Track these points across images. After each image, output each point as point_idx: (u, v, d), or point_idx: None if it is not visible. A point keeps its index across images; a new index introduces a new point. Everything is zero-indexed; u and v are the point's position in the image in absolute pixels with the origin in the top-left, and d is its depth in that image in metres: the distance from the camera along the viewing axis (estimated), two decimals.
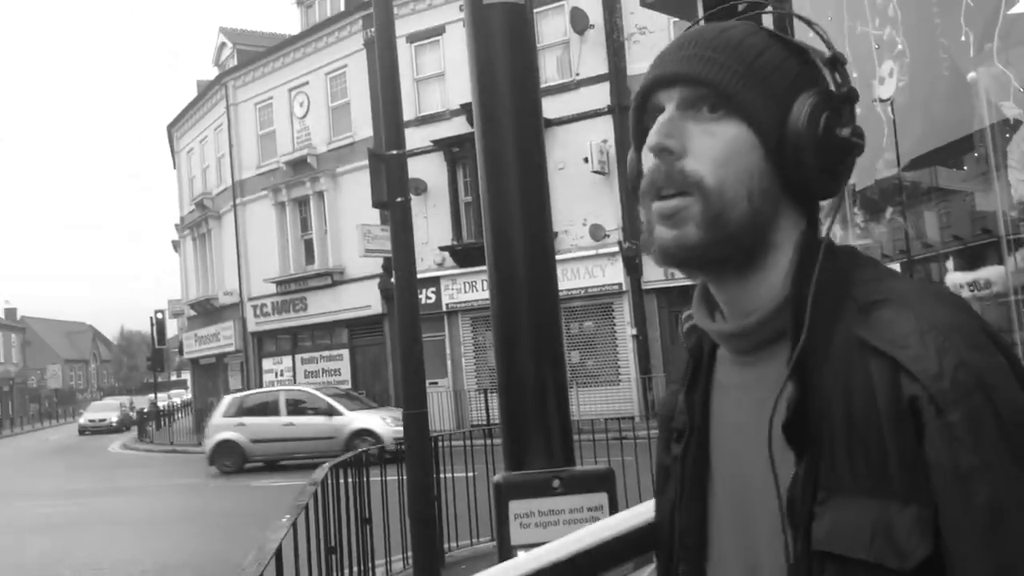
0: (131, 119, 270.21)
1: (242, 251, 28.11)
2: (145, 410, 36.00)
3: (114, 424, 42.17)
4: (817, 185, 0.91)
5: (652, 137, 0.91)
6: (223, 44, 31.71)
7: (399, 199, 6.57)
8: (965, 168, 2.91)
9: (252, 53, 28.94)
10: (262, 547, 2.83)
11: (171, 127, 34.53)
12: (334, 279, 24.83)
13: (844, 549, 0.81)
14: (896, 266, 3.12)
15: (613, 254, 19.91)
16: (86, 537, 11.13)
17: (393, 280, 7.49)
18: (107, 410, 44.53)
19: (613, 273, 20.02)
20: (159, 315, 36.45)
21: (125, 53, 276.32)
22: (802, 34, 1.22)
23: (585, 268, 20.30)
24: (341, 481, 6.16)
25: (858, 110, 0.91)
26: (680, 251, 0.90)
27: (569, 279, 20.13)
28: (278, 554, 3.10)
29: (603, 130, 20.02)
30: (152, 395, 39.23)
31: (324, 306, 25.15)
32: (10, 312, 71.33)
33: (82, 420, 43.92)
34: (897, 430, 0.80)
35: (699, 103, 0.90)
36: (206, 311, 30.87)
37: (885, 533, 0.79)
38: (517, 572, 1.18)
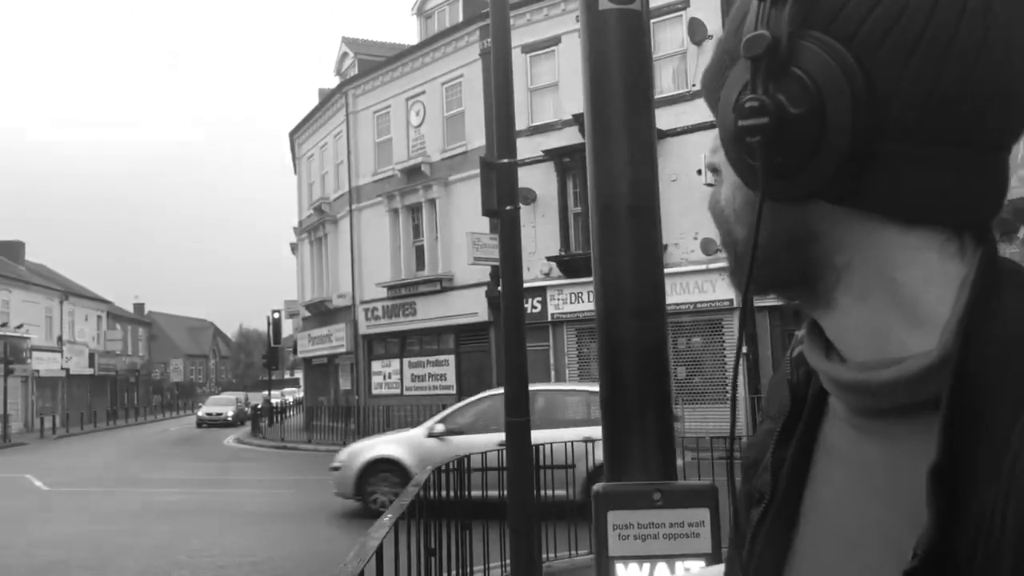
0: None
1: (356, 255, 28.86)
2: (259, 406, 37.40)
3: (229, 418, 43.94)
4: (780, 183, 0.60)
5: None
6: (345, 54, 32.70)
7: (508, 207, 6.61)
8: None
9: (372, 62, 29.73)
10: (364, 544, 2.87)
11: (293, 134, 35.81)
12: (443, 285, 25.21)
13: None
14: None
15: (724, 269, 19.31)
16: (202, 525, 11.61)
17: (500, 288, 7.52)
18: (223, 405, 46.42)
19: (723, 289, 19.60)
20: (275, 315, 37.81)
21: (127, 53, 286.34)
22: None
23: (695, 283, 19.97)
24: (443, 485, 6.22)
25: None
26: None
27: (678, 293, 19.84)
28: (379, 552, 3.14)
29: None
30: (266, 392, 40.67)
31: (433, 312, 25.55)
32: (138, 307, 75.20)
33: (200, 413, 45.93)
34: None
35: None
36: (320, 312, 31.81)
37: None
38: None
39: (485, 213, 6.85)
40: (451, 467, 6.62)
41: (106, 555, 9.51)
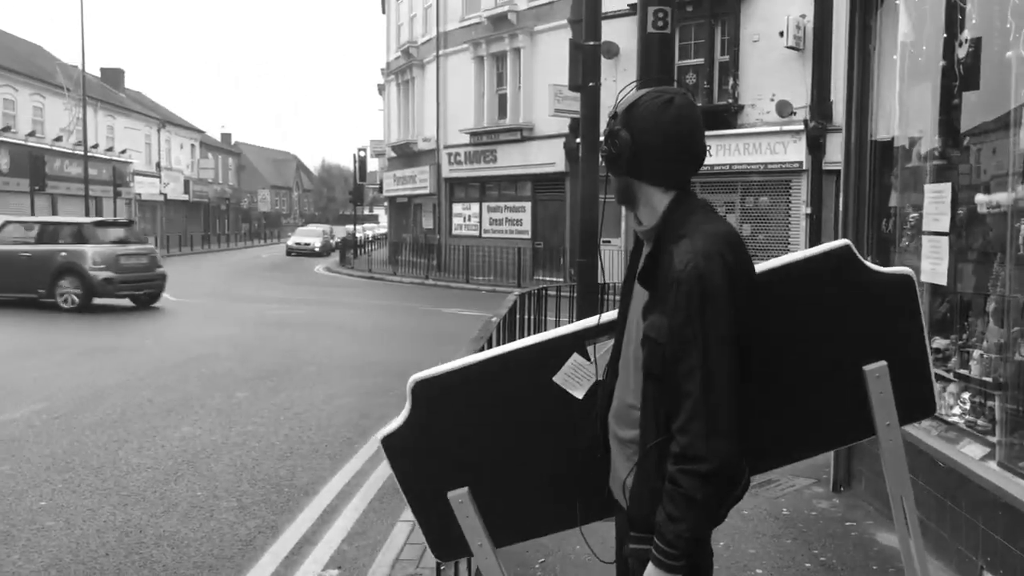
0: None
1: (441, 101, 29.98)
2: (344, 239, 39.77)
3: (316, 249, 46.64)
4: (631, 174, 1.99)
5: None
6: None
7: (591, 84, 7.85)
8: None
9: None
10: (488, 321, 4.39)
11: None
12: (523, 135, 26.34)
13: (651, 333, 1.87)
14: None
15: (797, 132, 20.12)
16: (316, 335, 13.66)
17: (578, 140, 8.78)
18: (311, 236, 49.06)
19: (795, 151, 20.30)
20: (361, 153, 39.45)
21: None
22: None
23: (767, 144, 20.69)
24: (517, 316, 7.78)
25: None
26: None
27: (751, 153, 20.67)
28: (498, 327, 4.71)
29: (802, 5, 19.87)
30: (351, 226, 42.92)
31: (512, 160, 26.82)
32: (226, 137, 77.46)
33: (289, 242, 48.67)
34: (671, 290, 1.83)
35: None
36: (405, 154, 33.33)
37: (661, 328, 1.84)
38: (539, 339, 2.31)
39: (572, 88, 8.11)
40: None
41: (244, 352, 11.56)
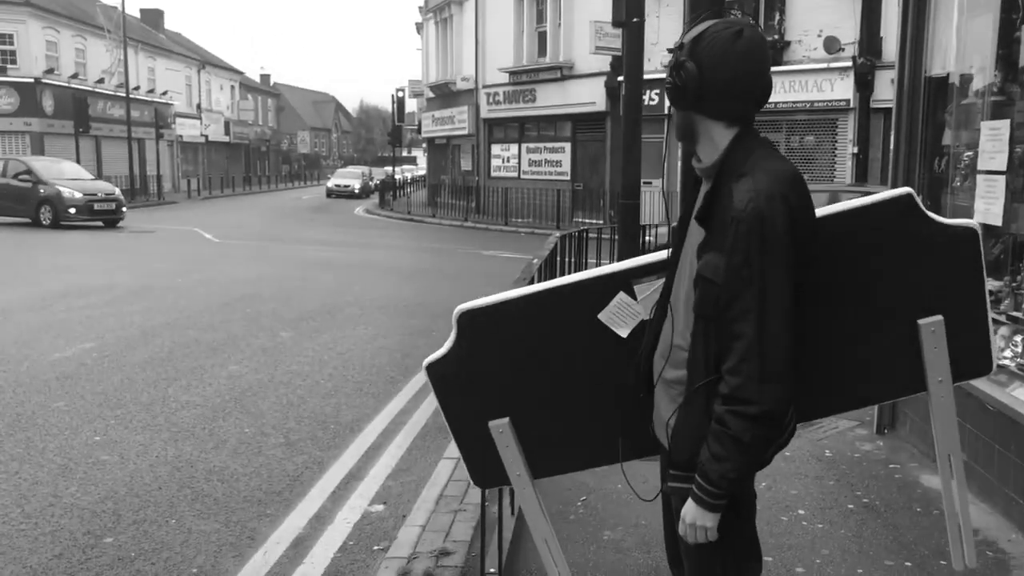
0: None
1: (480, 39, 29.58)
2: (382, 181, 39.84)
3: (356, 191, 46.82)
4: (697, 111, 1.93)
5: None
6: None
7: (635, 20, 7.66)
8: None
9: None
10: (529, 263, 4.38)
11: None
12: (563, 73, 25.94)
13: (706, 273, 1.83)
14: None
15: (845, 69, 19.63)
16: (358, 276, 13.78)
17: (619, 78, 8.59)
18: (351, 177, 49.21)
19: (842, 88, 19.83)
20: (399, 94, 39.23)
21: None
22: None
23: (814, 81, 20.19)
24: (558, 259, 7.74)
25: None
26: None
27: (796, 91, 20.18)
28: (540, 269, 4.69)
29: None
30: (390, 168, 42.94)
31: (551, 99, 26.48)
32: (265, 78, 77.35)
33: (329, 184, 48.88)
34: (730, 229, 1.78)
35: None
36: (443, 94, 33.05)
37: (717, 267, 1.80)
38: (585, 276, 2.24)
39: (614, 25, 7.93)
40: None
41: (287, 292, 11.70)
